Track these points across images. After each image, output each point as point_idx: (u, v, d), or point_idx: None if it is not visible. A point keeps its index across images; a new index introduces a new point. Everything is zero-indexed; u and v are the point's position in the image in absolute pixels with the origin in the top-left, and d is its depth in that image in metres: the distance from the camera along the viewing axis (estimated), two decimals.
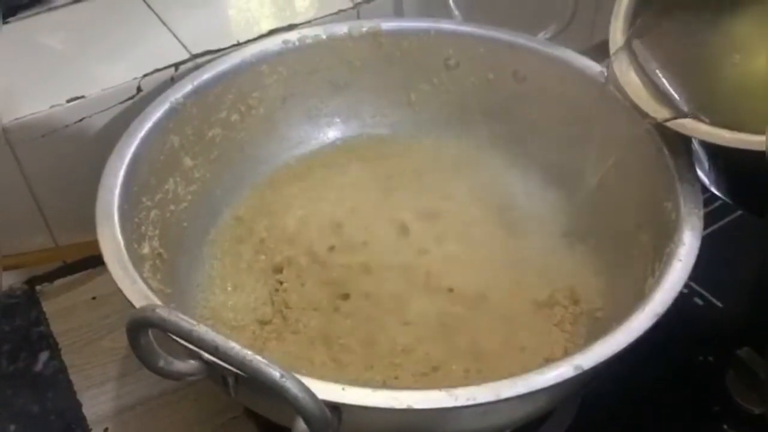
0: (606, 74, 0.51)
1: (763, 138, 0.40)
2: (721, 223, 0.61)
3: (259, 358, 0.32)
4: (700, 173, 0.49)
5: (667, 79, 0.48)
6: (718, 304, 0.57)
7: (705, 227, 0.45)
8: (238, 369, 0.33)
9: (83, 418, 0.52)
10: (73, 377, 0.54)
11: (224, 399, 0.51)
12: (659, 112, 0.47)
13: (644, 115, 0.48)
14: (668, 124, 0.47)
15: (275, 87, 0.60)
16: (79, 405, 0.52)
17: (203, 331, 0.33)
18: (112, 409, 0.52)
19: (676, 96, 0.48)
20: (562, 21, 0.59)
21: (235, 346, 0.32)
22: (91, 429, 0.51)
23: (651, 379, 0.52)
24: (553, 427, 0.50)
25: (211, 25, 0.62)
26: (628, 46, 0.50)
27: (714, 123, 0.45)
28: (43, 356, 0.55)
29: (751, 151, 0.41)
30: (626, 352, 0.38)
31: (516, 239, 0.56)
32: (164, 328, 0.33)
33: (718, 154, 0.48)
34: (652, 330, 0.39)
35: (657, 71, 0.48)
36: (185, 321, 0.33)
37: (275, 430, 0.41)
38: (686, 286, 0.43)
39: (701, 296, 0.58)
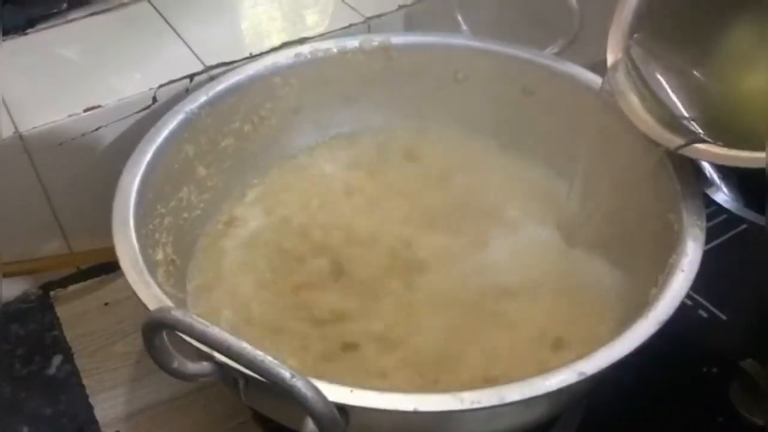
0: (600, 86, 0.52)
1: (763, 155, 0.41)
2: (725, 237, 0.61)
3: (270, 358, 0.33)
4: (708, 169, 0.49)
5: (665, 94, 0.49)
6: (722, 316, 0.57)
7: (709, 241, 0.46)
8: (249, 369, 0.33)
9: (95, 421, 0.52)
10: (85, 381, 0.55)
11: (233, 404, 0.52)
12: (656, 132, 0.48)
13: (637, 126, 0.49)
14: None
15: (287, 98, 0.61)
16: (91, 408, 0.53)
17: (216, 331, 0.33)
18: (124, 413, 0.53)
19: (675, 111, 0.48)
20: (569, 36, 0.59)
21: (246, 347, 0.33)
22: None
23: (655, 390, 0.53)
24: None
25: (225, 38, 0.63)
26: (626, 59, 0.50)
27: (715, 139, 0.45)
28: (56, 360, 0.56)
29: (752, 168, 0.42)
30: (629, 359, 0.39)
31: (519, 250, 0.57)
32: (179, 329, 0.34)
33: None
34: (655, 338, 0.40)
35: (655, 85, 0.49)
36: (199, 322, 0.33)
37: None
38: (691, 298, 0.43)
39: (705, 309, 0.58)
